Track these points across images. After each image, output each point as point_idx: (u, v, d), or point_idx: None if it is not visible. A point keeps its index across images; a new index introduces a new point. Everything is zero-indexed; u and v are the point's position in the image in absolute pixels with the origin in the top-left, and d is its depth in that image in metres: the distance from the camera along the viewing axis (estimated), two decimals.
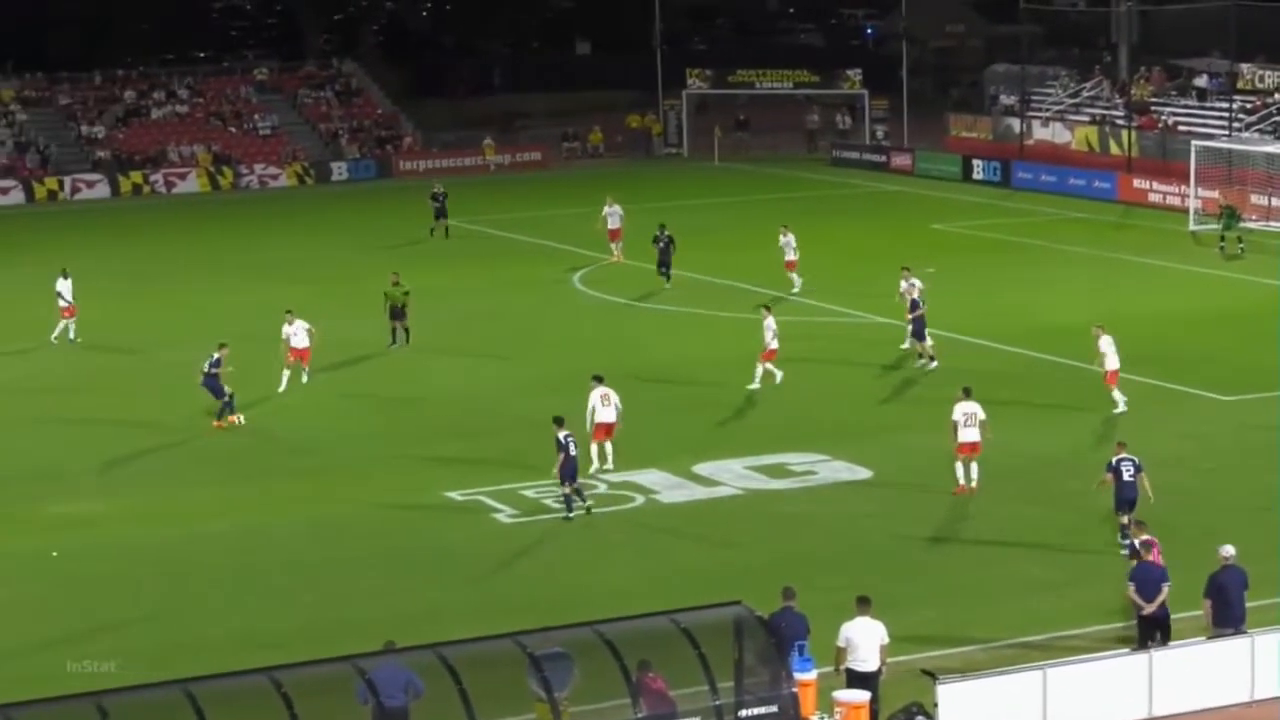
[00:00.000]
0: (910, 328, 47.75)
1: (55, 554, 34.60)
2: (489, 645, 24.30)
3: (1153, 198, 75.36)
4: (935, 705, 25.15)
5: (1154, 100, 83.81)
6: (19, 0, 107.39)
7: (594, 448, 38.43)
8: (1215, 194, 68.91)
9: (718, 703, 23.77)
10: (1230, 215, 64.09)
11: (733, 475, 38.41)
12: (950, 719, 25.04)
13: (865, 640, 25.72)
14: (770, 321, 45.30)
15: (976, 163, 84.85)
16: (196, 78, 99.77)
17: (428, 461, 40.20)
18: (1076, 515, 35.07)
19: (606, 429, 38.57)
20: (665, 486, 37.74)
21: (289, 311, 47.05)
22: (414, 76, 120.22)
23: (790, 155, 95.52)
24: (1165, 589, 27.37)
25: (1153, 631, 27.39)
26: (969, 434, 36.72)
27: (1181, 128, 79.67)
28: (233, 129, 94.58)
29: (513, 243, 70.43)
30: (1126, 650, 27.32)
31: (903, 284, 48.97)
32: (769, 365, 45.23)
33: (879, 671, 25.76)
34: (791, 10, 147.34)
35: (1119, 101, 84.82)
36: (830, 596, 28.29)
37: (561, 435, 35.63)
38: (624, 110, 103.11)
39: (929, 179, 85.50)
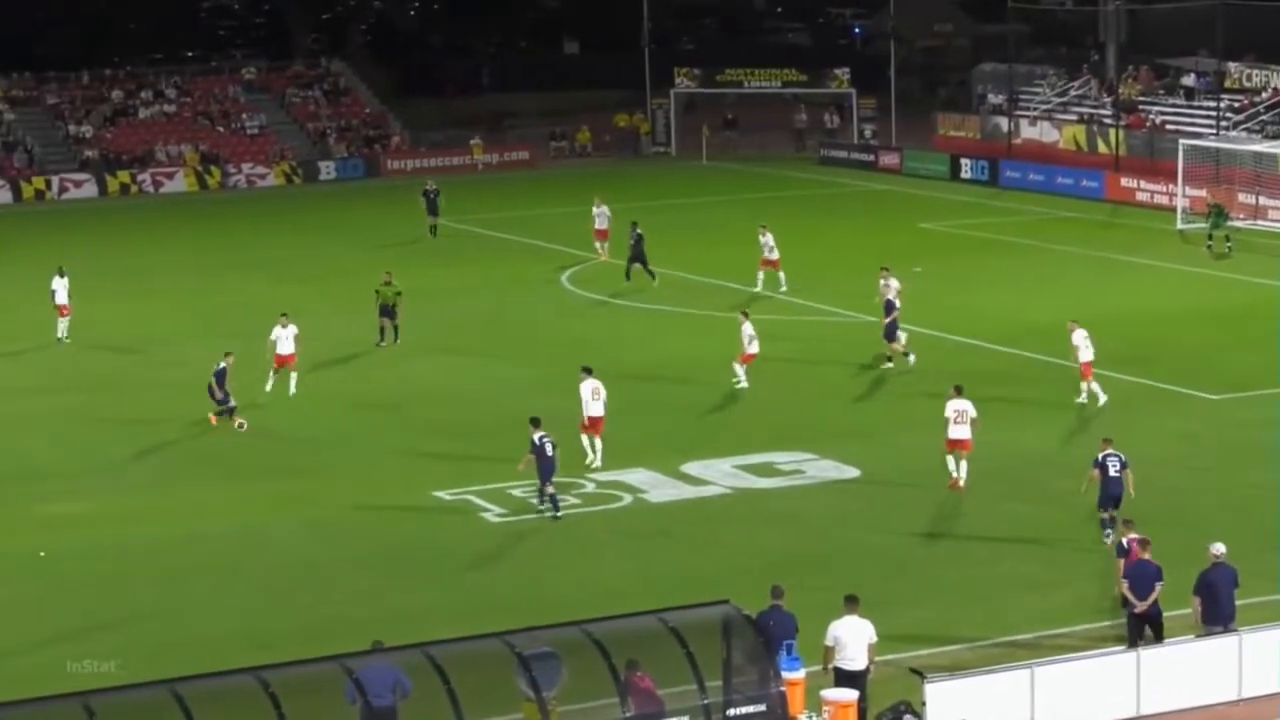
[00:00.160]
0: (884, 329, 47.55)
1: (42, 554, 34.60)
2: (477, 644, 24.28)
3: (1140, 197, 75.37)
4: (923, 704, 25.15)
5: (1142, 99, 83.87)
6: (6, 1, 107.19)
7: (584, 440, 38.52)
8: (1203, 193, 68.90)
9: (706, 701, 23.76)
10: (1218, 214, 64.11)
11: (721, 474, 38.40)
12: (938, 718, 25.04)
13: (853, 639, 25.71)
14: (748, 326, 45.28)
15: (964, 162, 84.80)
16: (184, 77, 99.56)
17: (416, 461, 40.18)
18: (1065, 514, 35.07)
19: (596, 422, 38.62)
20: (653, 485, 37.74)
21: (284, 315, 46.09)
22: (402, 76, 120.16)
23: (778, 154, 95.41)
24: (1159, 587, 27.41)
25: (1143, 629, 27.42)
26: (959, 431, 36.79)
27: (1169, 126, 79.73)
28: (220, 128, 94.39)
29: (501, 242, 70.36)
30: (1115, 649, 27.35)
31: (881, 284, 48.96)
32: (740, 367, 45.06)
33: (867, 670, 25.75)
34: (779, 10, 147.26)
35: (1107, 100, 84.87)
36: (818, 595, 28.27)
37: (537, 436, 35.52)
38: (612, 109, 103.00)
39: (917, 178, 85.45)
